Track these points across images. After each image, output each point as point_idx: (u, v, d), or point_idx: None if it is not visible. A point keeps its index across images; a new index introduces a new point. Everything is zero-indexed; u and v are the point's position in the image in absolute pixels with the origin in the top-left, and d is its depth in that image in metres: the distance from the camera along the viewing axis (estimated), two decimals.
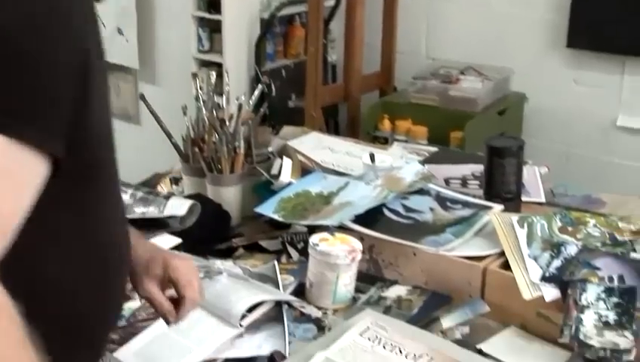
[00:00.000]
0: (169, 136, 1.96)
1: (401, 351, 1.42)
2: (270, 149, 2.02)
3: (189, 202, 1.79)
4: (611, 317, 1.40)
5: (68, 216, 1.05)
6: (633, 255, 1.56)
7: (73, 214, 1.06)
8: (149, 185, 2.01)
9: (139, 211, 1.79)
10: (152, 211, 1.78)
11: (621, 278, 1.49)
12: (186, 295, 1.35)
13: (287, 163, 1.92)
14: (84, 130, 0.99)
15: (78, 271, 1.09)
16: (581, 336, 1.21)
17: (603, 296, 1.43)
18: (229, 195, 1.88)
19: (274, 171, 1.92)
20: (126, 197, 1.83)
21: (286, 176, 1.89)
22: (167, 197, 1.82)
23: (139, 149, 3.94)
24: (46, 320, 0.92)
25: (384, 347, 1.43)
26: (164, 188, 2.02)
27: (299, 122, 2.95)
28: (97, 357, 1.23)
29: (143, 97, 2.00)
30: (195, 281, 1.37)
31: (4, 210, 0.91)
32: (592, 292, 1.44)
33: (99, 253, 1.12)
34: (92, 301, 1.13)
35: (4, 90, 0.89)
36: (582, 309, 1.42)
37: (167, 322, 1.37)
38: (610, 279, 1.49)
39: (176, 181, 2.05)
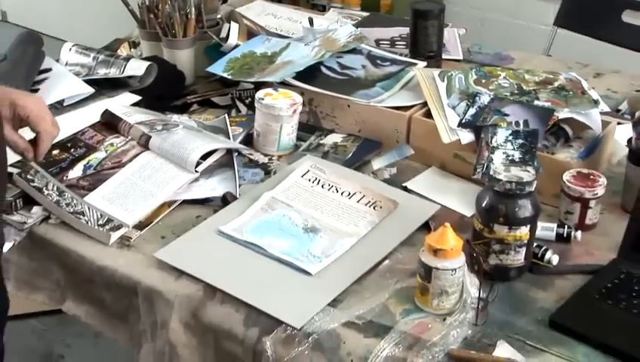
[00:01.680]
0: (126, 4, 1.89)
1: (337, 190, 1.44)
2: (219, 15, 1.97)
3: (146, 63, 1.74)
4: (517, 155, 1.43)
5: None
6: (536, 102, 1.58)
7: None
8: (111, 49, 1.94)
9: (101, 72, 1.74)
10: (113, 72, 1.73)
11: (526, 123, 1.51)
12: (40, 129, 1.25)
13: (234, 27, 1.88)
14: None
15: None
16: (491, 172, 1.23)
17: (510, 138, 1.46)
18: (183, 57, 1.84)
19: (223, 35, 1.89)
20: (89, 59, 1.77)
21: (233, 38, 1.86)
22: (127, 59, 1.77)
23: (100, 17, 3.81)
24: None
25: (322, 186, 1.45)
26: (124, 51, 1.96)
27: None
28: None
29: None
30: (47, 115, 1.25)
31: None
32: (501, 135, 1.47)
33: None
34: None
35: None
36: (492, 150, 1.44)
37: (27, 159, 1.28)
38: (517, 123, 1.51)
39: (135, 45, 1.99)
